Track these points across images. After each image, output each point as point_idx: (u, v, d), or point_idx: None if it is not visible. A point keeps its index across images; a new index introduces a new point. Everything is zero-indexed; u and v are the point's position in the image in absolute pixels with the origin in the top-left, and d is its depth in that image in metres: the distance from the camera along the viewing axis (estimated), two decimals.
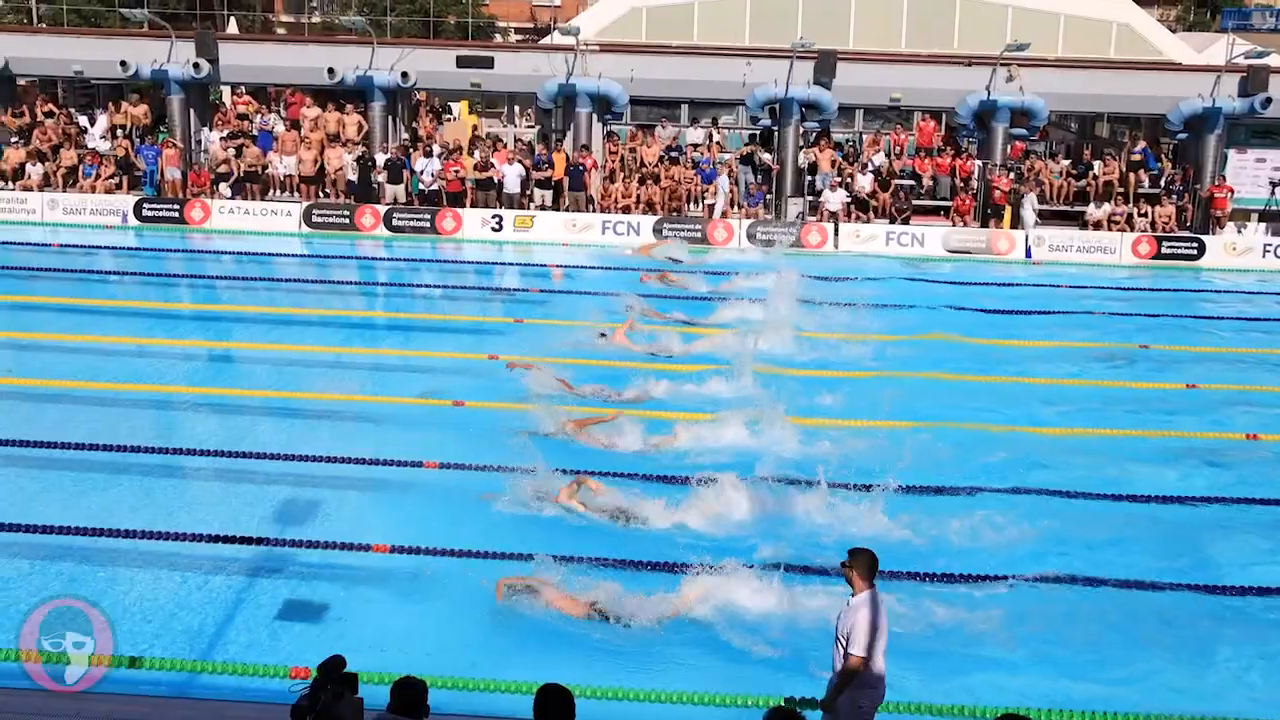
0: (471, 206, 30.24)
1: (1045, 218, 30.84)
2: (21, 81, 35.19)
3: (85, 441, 14.51)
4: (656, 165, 31.39)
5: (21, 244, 27.49)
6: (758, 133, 33.94)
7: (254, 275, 24.86)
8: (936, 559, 12.01)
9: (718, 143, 33.90)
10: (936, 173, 31.82)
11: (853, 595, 8.13)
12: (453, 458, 14.12)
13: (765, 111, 31.69)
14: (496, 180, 30.52)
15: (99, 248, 27.54)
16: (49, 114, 33.18)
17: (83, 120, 33.84)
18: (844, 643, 7.98)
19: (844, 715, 8.09)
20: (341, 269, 26.65)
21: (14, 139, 32.27)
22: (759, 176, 31.65)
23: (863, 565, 8.12)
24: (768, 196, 31.09)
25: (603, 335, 19.62)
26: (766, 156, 31.95)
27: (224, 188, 30.86)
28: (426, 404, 16.43)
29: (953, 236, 29.93)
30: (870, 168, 31.46)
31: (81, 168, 31.25)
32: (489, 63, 32.11)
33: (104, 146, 32.40)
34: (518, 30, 56.77)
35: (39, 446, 14.37)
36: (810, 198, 31.27)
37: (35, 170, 31.25)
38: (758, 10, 36.79)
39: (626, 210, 30.42)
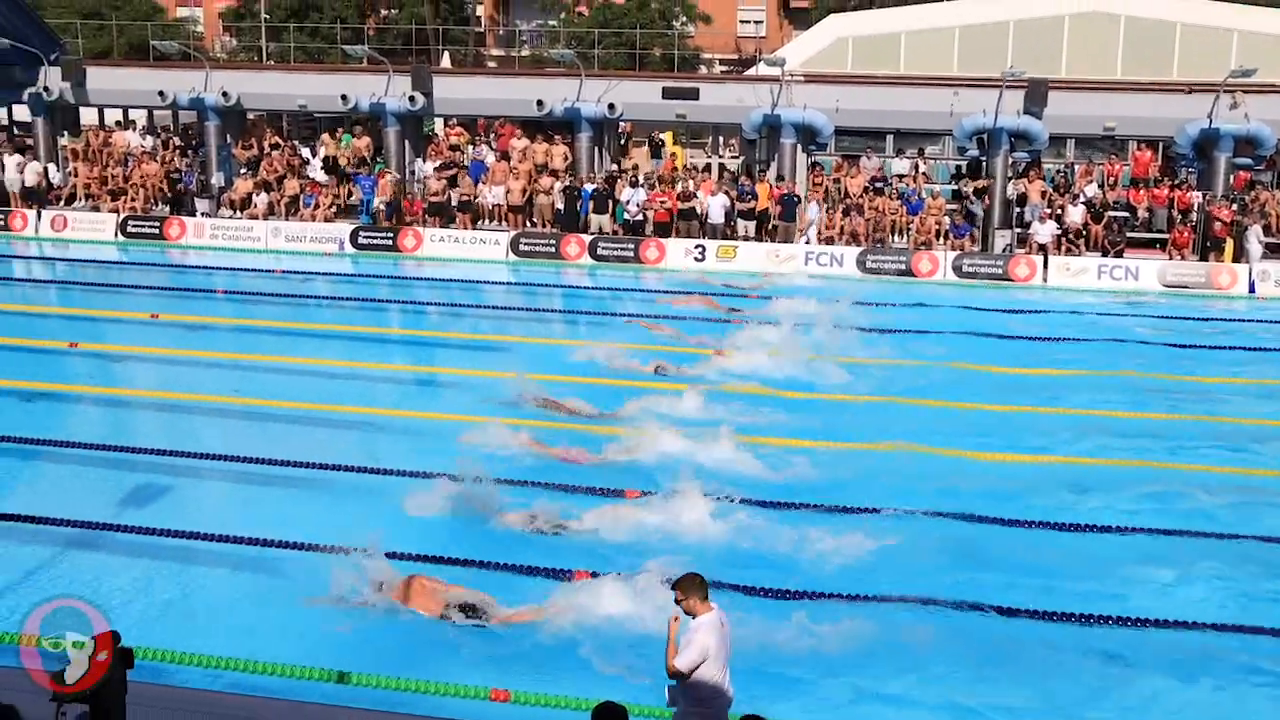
0: (675, 236, 30.50)
1: (1272, 251, 29.31)
2: (251, 116, 37.09)
3: (299, 459, 15.13)
4: (861, 196, 31.06)
5: (247, 269, 28.90)
6: (965, 163, 33.29)
7: (462, 301, 25.50)
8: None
9: (924, 173, 33.36)
10: (1152, 204, 30.60)
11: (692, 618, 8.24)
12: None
13: (973, 141, 31.04)
14: (700, 211, 30.69)
15: (317, 274, 28.75)
16: (275, 146, 34.87)
17: (305, 152, 35.44)
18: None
19: None
20: (546, 296, 27.14)
21: (243, 170, 33.99)
22: (967, 207, 30.98)
23: (693, 589, 8.26)
24: (974, 229, 30.40)
25: (657, 369, 19.78)
26: (976, 186, 31.26)
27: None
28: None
29: (1170, 270, 28.69)
30: (1082, 199, 30.45)
31: (302, 197, 32.70)
32: (694, 94, 32.37)
33: (323, 177, 33.85)
34: (722, 61, 57.11)
35: (260, 463, 15.09)
36: (1018, 229, 30.45)
37: (261, 199, 32.84)
38: (966, 39, 36.14)
39: (830, 241, 30.16)
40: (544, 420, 16.94)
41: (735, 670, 8.30)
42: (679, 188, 31.16)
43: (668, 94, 32.30)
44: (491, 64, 55.32)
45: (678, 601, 8.33)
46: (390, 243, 31.22)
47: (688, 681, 8.08)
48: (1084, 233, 29.75)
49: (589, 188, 31.37)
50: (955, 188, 32.86)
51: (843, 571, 12.39)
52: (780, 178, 31.03)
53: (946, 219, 30.54)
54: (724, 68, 55.23)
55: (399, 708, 9.38)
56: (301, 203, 32.59)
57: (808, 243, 30.21)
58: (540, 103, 32.13)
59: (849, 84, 32.83)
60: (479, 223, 32.26)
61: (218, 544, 12.70)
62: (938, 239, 30.24)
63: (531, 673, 10.22)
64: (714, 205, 30.56)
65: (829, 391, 18.85)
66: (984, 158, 31.21)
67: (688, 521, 13.10)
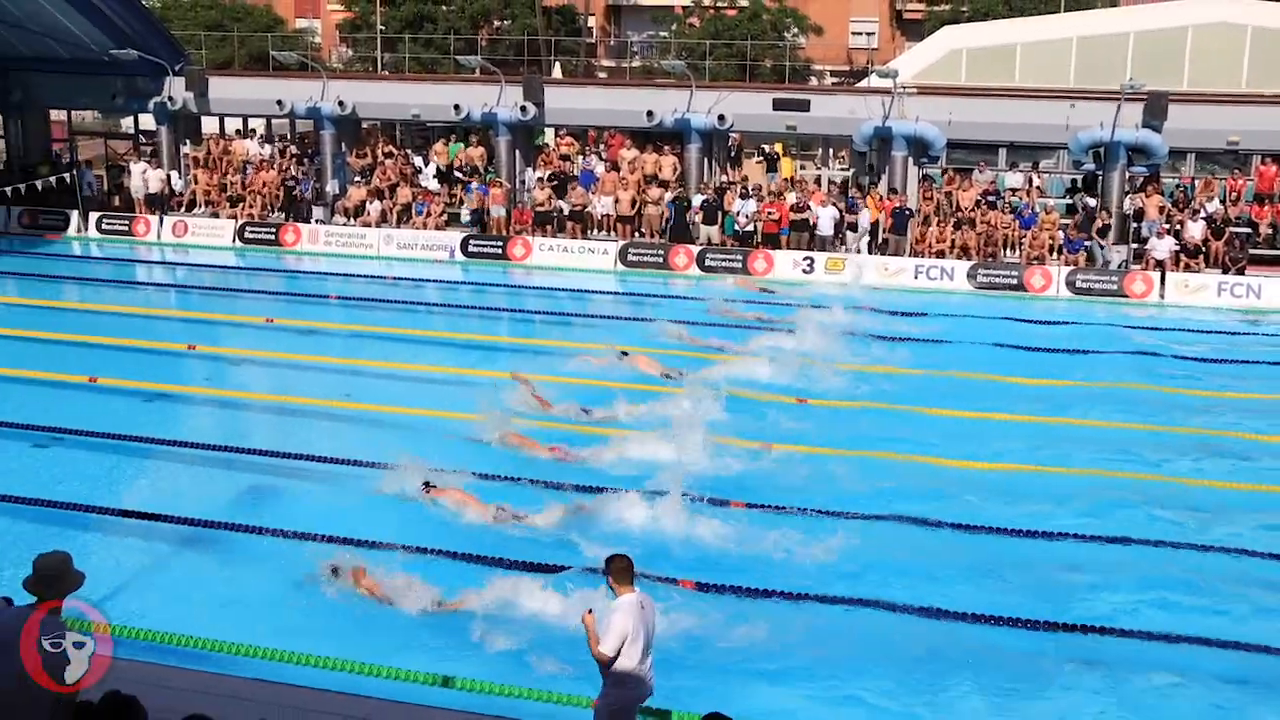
0: (786, 248, 30.35)
1: None
2: (365, 124, 37.73)
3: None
4: (972, 210, 30.60)
5: (360, 276, 29.38)
6: (1080, 178, 32.62)
7: (569, 311, 25.64)
8: None
9: (1038, 187, 32.76)
10: (1276, 220, 29.66)
11: (614, 598, 8.51)
12: None
13: (1089, 155, 30.39)
14: (811, 223, 30.50)
15: (428, 281, 29.11)
16: (388, 154, 35.41)
17: (418, 160, 35.95)
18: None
19: (598, 713, 8.54)
20: (653, 306, 27.09)
21: (357, 177, 34.58)
22: (1081, 219, 30.35)
23: (617, 571, 8.51)
24: (1088, 244, 29.75)
25: (624, 354, 20.25)
26: (1091, 202, 30.62)
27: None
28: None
29: None
30: (1202, 214, 29.63)
31: (414, 205, 33.17)
32: (805, 105, 32.19)
33: (435, 186, 34.29)
34: (833, 73, 56.73)
35: (369, 466, 15.33)
36: (1135, 245, 29.73)
37: (374, 207, 33.36)
38: (1084, 50, 35.45)
39: (941, 255, 29.77)
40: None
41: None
42: (790, 199, 30.99)
43: (778, 105, 32.16)
44: (602, 75, 55.59)
45: (604, 572, 8.65)
46: (500, 251, 31.51)
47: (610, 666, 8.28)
48: (1203, 249, 28.95)
49: (697, 199, 31.35)
50: (1069, 202, 32.22)
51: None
52: (893, 190, 30.70)
53: (1060, 234, 29.95)
54: (835, 79, 54.84)
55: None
56: (413, 211, 33.07)
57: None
58: (650, 113, 32.21)
59: (962, 96, 32.37)
60: (588, 232, 32.42)
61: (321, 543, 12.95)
62: (1051, 254, 29.66)
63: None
64: (824, 217, 30.34)
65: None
66: (1100, 172, 30.55)
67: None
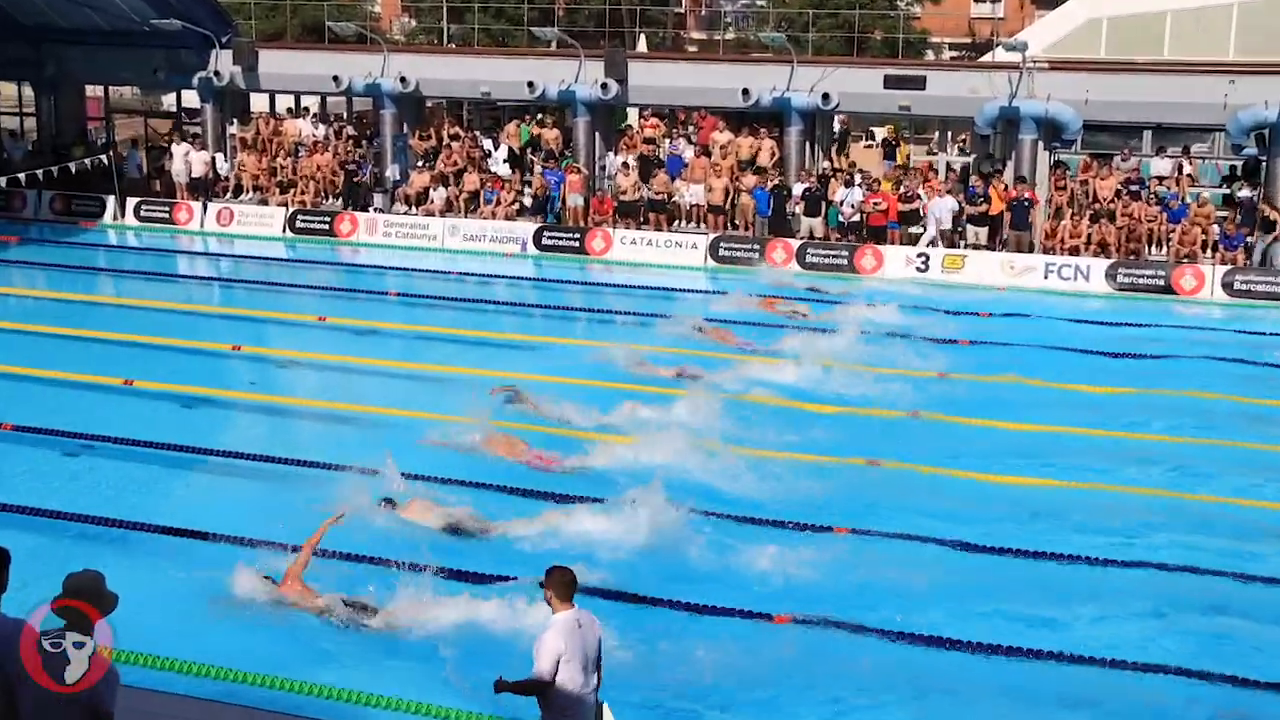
0: (898, 244, 30.02)
1: None
2: (429, 103, 37.95)
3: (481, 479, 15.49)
4: (1112, 201, 30.00)
5: (423, 270, 29.53)
6: (1239, 164, 31.86)
7: (652, 311, 25.47)
8: None
9: (1189, 175, 32.06)
10: None
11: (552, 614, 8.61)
12: None
13: (1250, 138, 29.66)
14: (922, 214, 30.13)
15: (497, 277, 29.15)
16: (455, 136, 35.59)
17: (487, 143, 36.09)
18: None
19: None
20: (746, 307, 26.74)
21: (420, 162, 34.80)
22: (1240, 212, 29.64)
23: (556, 585, 8.59)
24: (1249, 240, 29.04)
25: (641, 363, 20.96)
26: (1251, 192, 29.90)
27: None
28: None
29: None
30: None
31: (483, 193, 33.28)
32: (920, 83, 31.79)
33: (505, 172, 34.40)
34: (952, 46, 56.20)
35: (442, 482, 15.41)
36: None
37: (438, 195, 33.55)
38: (1246, 19, 34.64)
39: (1075, 251, 29.23)
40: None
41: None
42: (901, 188, 30.63)
43: (890, 83, 31.79)
44: (692, 49, 55.59)
45: (540, 584, 8.82)
46: (577, 244, 31.53)
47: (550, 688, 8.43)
48: None
49: (798, 188, 31.11)
50: (1226, 192, 31.50)
51: None
52: (1020, 179, 30.21)
53: (1215, 228, 29.27)
54: (954, 54, 54.35)
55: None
56: (482, 199, 33.19)
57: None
58: (746, 92, 32.03)
59: (1102, 72, 31.78)
60: (675, 224, 32.30)
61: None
62: (1204, 251, 28.99)
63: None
64: (941, 209, 29.94)
65: None
66: (1263, 157, 29.82)
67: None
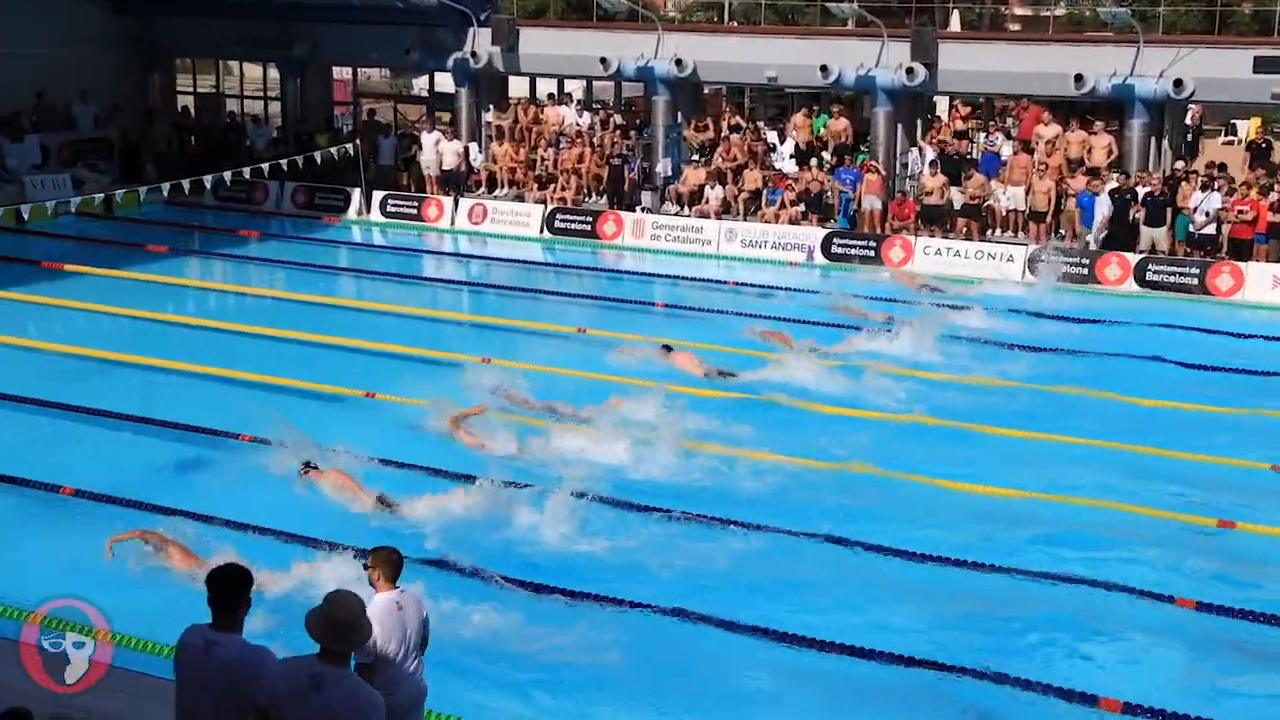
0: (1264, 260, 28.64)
1: None
2: (707, 90, 38.07)
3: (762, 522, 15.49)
4: None
5: (692, 279, 29.56)
6: None
7: (962, 333, 24.80)
8: None
9: None
10: None
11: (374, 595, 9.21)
12: None
13: None
14: None
15: (778, 289, 28.91)
16: (735, 128, 35.60)
17: (771, 136, 35.98)
18: None
19: None
20: (1065, 333, 25.79)
21: (695, 156, 34.93)
22: None
23: (382, 564, 9.38)
24: None
25: (666, 349, 22.31)
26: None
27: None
28: None
29: None
30: None
31: (765, 192, 33.18)
32: None
33: (792, 168, 34.24)
34: None
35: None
36: None
37: (714, 194, 33.61)
38: None
39: None
40: None
41: None
42: (1273, 194, 29.12)
43: (1261, 66, 30.34)
44: (1014, 27, 54.32)
45: (365, 566, 9.74)
46: (872, 253, 31.13)
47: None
48: None
49: (1142, 190, 29.96)
50: None
51: None
52: None
53: None
54: None
55: None
56: (764, 199, 33.09)
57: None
58: (1079, 78, 31.07)
59: None
60: (989, 232, 31.56)
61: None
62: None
63: None
64: None
65: None
66: None
67: None
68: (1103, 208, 29.96)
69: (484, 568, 13.98)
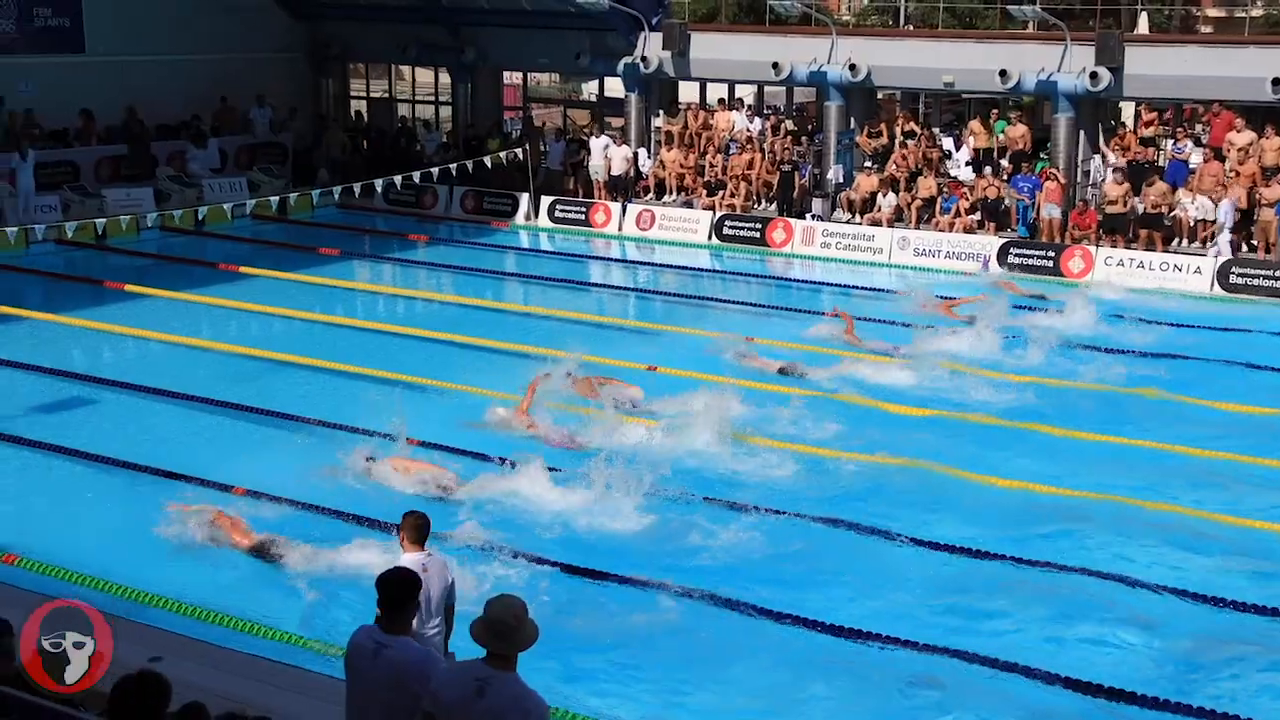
0: None
1: None
2: (881, 95, 37.86)
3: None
4: None
5: (863, 289, 29.45)
6: None
7: (1141, 349, 24.32)
8: None
9: None
10: None
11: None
12: None
13: None
14: None
15: (949, 299, 28.58)
16: (909, 134, 35.39)
17: (947, 143, 35.70)
18: None
19: None
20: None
21: (867, 163, 34.79)
22: None
23: (408, 529, 10.17)
24: None
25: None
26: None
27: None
28: None
29: None
30: None
31: (940, 200, 32.94)
32: None
33: (968, 176, 33.93)
34: None
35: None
36: None
37: (887, 201, 33.44)
38: None
39: None
40: None
41: None
42: None
43: None
44: (1206, 29, 53.17)
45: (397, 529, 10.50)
46: (1051, 264, 30.73)
47: None
48: None
49: None
50: None
51: None
52: None
53: None
54: None
55: None
56: (938, 207, 32.86)
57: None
58: (1277, 82, 30.33)
59: None
60: (1173, 243, 30.96)
61: None
62: None
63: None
64: None
65: None
66: None
67: None
68: None
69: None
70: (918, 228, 32.94)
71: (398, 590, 8.13)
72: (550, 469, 17.07)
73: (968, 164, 34.46)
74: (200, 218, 33.19)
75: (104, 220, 30.61)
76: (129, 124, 37.24)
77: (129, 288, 28.35)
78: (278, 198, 34.13)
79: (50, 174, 34.57)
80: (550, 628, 10.36)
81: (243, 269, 30.39)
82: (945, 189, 33.16)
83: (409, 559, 9.88)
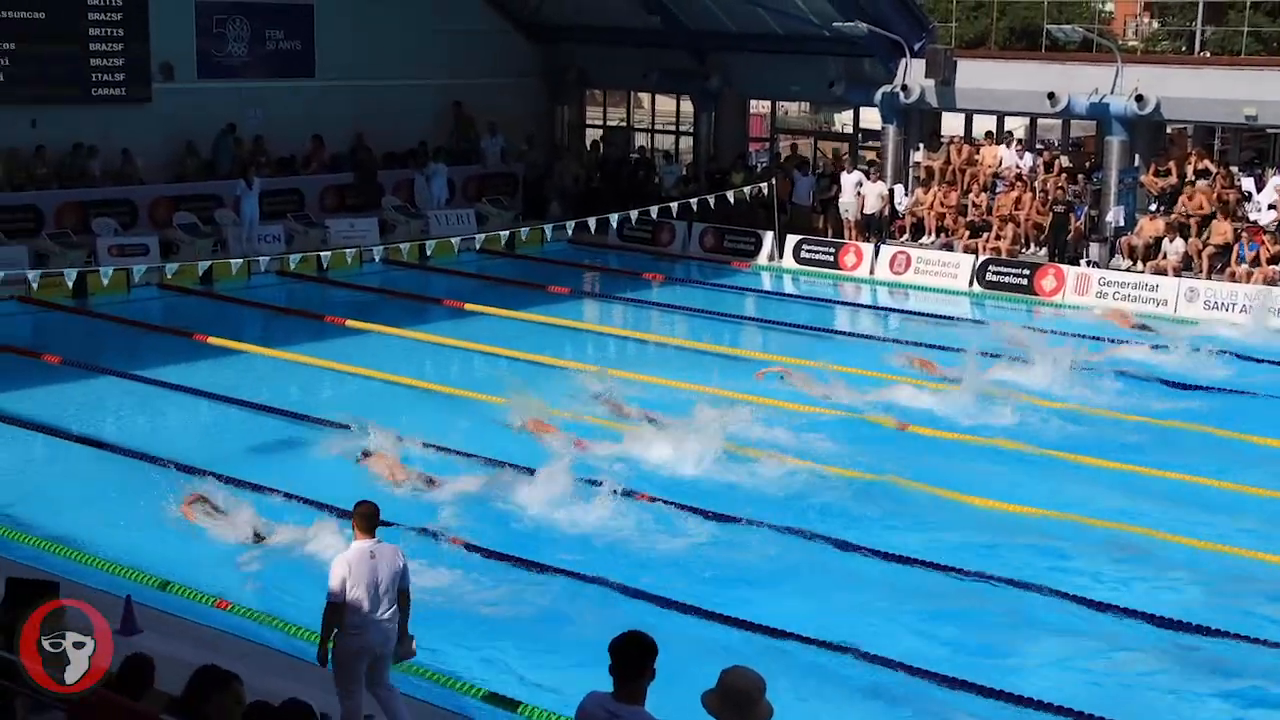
0: None
1: None
2: (1171, 129, 36.27)
3: None
4: None
5: (1141, 345, 27.82)
6: None
7: None
8: None
9: None
10: None
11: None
12: None
13: None
14: None
15: (1252, 360, 26.85)
16: (1202, 173, 33.78)
17: (1246, 183, 33.89)
18: None
19: (333, 658, 11.38)
20: None
21: (1152, 205, 33.27)
22: None
23: (358, 517, 11.39)
24: None
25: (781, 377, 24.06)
26: None
27: None
28: None
29: None
30: None
31: (1236, 247, 31.22)
32: None
33: (1269, 220, 32.15)
34: None
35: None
36: None
37: (1173, 247, 31.90)
38: None
39: None
40: None
41: None
42: None
43: None
44: None
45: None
46: None
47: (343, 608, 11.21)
48: None
49: None
50: None
51: None
52: None
53: None
54: None
55: None
56: (1234, 255, 31.13)
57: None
58: None
59: None
60: None
61: None
62: None
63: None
64: None
65: None
66: None
67: None
68: None
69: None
70: (1209, 278, 31.15)
71: (636, 654, 7.80)
72: None
73: (1271, 207, 32.62)
74: (428, 252, 33.13)
75: (328, 253, 30.79)
76: (356, 151, 37.77)
77: (349, 323, 28.65)
78: (507, 232, 33.98)
79: (275, 203, 35.31)
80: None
81: (468, 306, 30.40)
82: (1243, 235, 31.42)
83: (355, 545, 11.28)
